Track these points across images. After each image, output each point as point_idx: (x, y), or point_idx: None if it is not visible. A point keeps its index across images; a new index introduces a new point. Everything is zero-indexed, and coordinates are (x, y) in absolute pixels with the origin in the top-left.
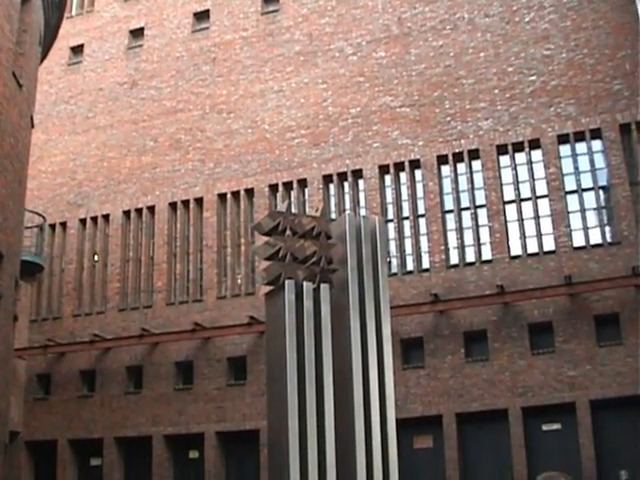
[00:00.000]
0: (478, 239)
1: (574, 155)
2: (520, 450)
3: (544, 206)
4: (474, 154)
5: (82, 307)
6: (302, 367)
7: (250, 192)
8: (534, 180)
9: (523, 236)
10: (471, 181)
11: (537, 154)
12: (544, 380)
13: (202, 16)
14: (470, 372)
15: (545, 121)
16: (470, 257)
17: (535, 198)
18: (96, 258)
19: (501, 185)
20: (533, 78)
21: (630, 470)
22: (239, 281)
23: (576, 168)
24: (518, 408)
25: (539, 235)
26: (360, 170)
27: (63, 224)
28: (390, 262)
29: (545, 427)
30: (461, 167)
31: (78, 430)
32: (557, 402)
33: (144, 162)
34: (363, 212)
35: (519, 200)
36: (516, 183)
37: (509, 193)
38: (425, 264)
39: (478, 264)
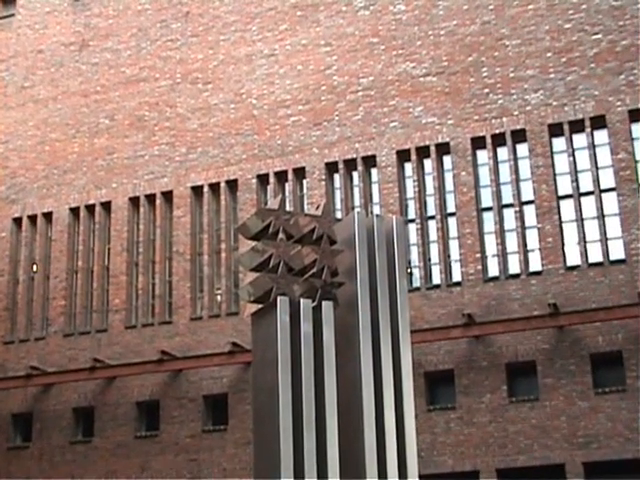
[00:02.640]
0: (524, 245)
1: None
2: None
3: (611, 202)
4: (519, 136)
5: (16, 332)
6: (299, 408)
7: (233, 184)
8: (597, 169)
9: (583, 241)
10: (515, 171)
11: (602, 135)
12: (612, 427)
13: None
14: (515, 416)
15: (613, 92)
16: (514, 268)
17: (599, 192)
18: (35, 268)
19: (554, 176)
20: (598, 37)
21: None
22: (219, 298)
23: None
24: (578, 463)
25: (604, 240)
26: (373, 156)
27: None
28: (411, 273)
29: None
30: (502, 152)
31: None
32: (630, 457)
33: (97, 146)
34: (377, 210)
35: (578, 195)
36: (574, 173)
37: (565, 186)
38: (456, 276)
39: (524, 277)
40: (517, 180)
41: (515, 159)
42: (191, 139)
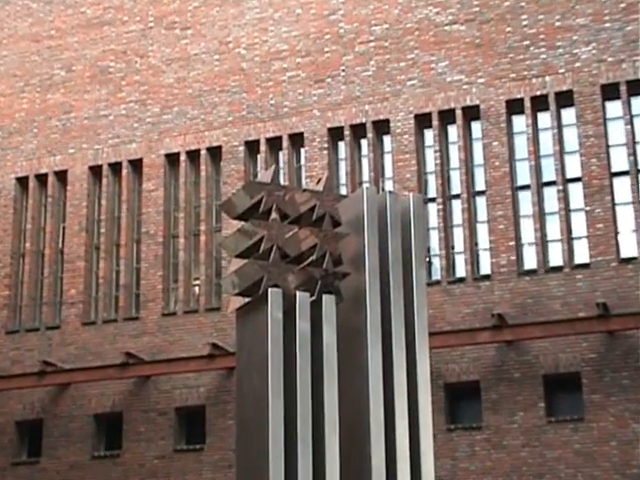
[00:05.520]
0: (569, 231)
1: None
2: None
3: None
4: (565, 99)
5: None
6: (292, 424)
7: (216, 152)
8: None
9: None
10: (559, 141)
11: None
12: None
13: None
14: (555, 439)
15: None
16: (556, 259)
17: None
18: None
19: (607, 148)
20: None
21: None
22: (197, 289)
23: None
24: None
25: None
26: (386, 121)
27: None
28: (430, 263)
29: None
30: (544, 118)
31: None
32: None
33: (51, 103)
34: (390, 186)
35: (635, 172)
36: (631, 145)
37: (619, 160)
38: (485, 268)
39: (568, 270)
40: (561, 153)
41: (559, 127)
42: (165, 96)
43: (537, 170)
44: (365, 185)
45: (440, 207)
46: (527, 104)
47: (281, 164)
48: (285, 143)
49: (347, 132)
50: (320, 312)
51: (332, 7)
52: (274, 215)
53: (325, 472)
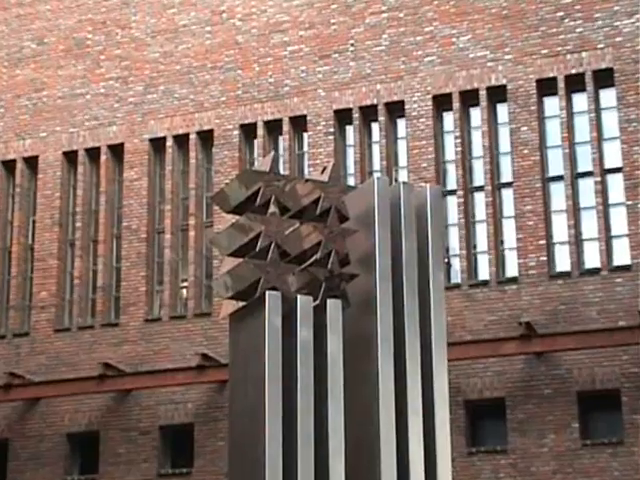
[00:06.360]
0: (607, 229)
1: None
2: None
3: None
4: (604, 78)
5: None
6: (292, 445)
7: (207, 137)
8: None
9: None
10: (597, 127)
11: None
12: None
13: None
14: (590, 465)
15: None
16: (592, 261)
17: None
18: None
19: None
20: None
21: None
22: (184, 292)
23: None
24: None
25: None
26: (400, 102)
27: None
28: (449, 264)
29: None
30: (580, 100)
31: None
32: None
33: (20, 80)
34: (404, 177)
35: None
36: None
37: None
38: (511, 270)
39: (606, 273)
40: (599, 139)
41: (597, 110)
42: (150, 73)
43: (571, 159)
44: (376, 175)
45: (461, 200)
46: (561, 84)
47: (281, 151)
48: (285, 127)
49: (356, 115)
50: (324, 318)
51: None
52: (273, 208)
53: None
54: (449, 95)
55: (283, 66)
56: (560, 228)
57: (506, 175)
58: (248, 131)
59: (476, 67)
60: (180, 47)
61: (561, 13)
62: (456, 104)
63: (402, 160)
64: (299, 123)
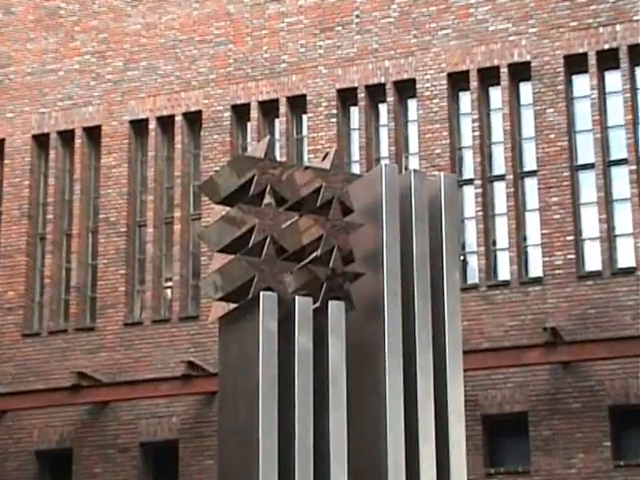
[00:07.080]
0: None
1: None
2: None
3: None
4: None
5: None
6: (289, 463)
7: (194, 119)
8: None
9: None
10: (632, 108)
11: None
12: None
13: None
14: None
15: None
16: (626, 259)
17: None
18: None
19: None
20: None
21: None
22: (169, 293)
23: None
24: None
25: None
26: (412, 81)
27: None
28: (465, 262)
29: None
30: (613, 79)
31: None
32: None
33: None
34: (415, 164)
35: None
36: None
37: None
38: (535, 270)
39: None
40: (635, 123)
41: (633, 90)
42: (131, 47)
43: (603, 145)
44: (384, 162)
45: (479, 191)
46: (592, 60)
47: (277, 134)
48: (283, 108)
49: (361, 95)
50: (325, 323)
51: None
52: (268, 199)
53: None
54: (466, 73)
55: (280, 40)
56: (590, 222)
57: (530, 163)
58: (240, 112)
59: (496, 41)
60: (164, 18)
61: None
62: (474, 83)
63: (413, 146)
64: (298, 104)
